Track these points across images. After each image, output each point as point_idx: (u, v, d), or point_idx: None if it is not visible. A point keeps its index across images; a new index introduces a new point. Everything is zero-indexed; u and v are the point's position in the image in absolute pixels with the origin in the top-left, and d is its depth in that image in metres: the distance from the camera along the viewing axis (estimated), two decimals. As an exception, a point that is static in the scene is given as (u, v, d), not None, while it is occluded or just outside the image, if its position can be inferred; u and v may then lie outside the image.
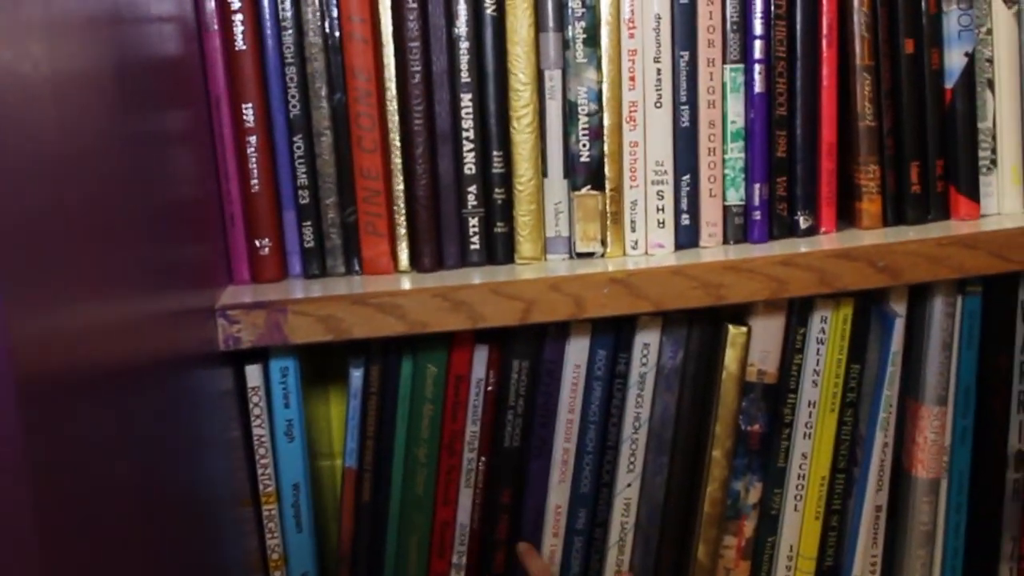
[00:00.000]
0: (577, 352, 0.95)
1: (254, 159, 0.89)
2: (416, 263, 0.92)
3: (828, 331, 0.96)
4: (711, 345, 0.96)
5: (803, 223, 0.95)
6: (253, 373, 0.89)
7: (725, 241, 0.94)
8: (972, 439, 1.00)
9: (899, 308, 0.96)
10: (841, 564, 1.01)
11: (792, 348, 0.96)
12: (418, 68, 0.89)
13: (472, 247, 0.92)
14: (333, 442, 1.10)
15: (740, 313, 0.96)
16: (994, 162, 0.97)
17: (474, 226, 0.92)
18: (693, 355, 0.96)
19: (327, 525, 1.05)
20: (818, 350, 0.96)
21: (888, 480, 1.00)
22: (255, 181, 0.89)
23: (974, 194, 0.96)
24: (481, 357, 0.95)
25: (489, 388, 0.96)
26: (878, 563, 1.01)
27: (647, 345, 0.96)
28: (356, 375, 0.93)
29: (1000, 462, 1.01)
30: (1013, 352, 0.99)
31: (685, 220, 0.93)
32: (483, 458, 0.97)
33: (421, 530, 0.98)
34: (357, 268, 0.92)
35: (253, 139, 0.89)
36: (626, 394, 0.97)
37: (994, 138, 0.96)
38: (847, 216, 0.98)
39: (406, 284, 0.87)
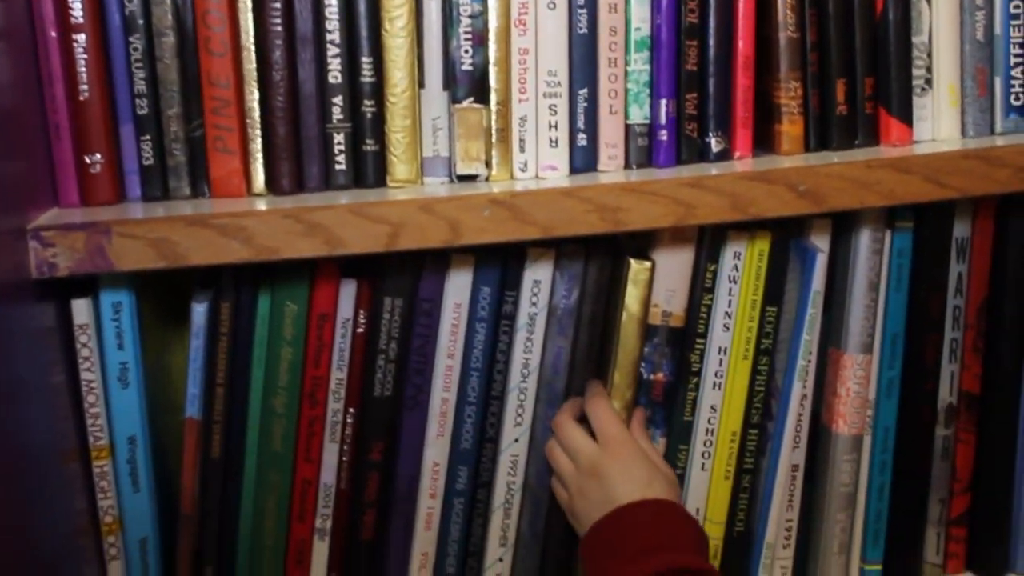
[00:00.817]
0: (458, 289, 0.84)
1: (83, 61, 0.77)
2: (273, 185, 0.80)
3: (742, 268, 0.86)
4: (610, 283, 0.85)
5: (715, 146, 0.84)
6: (80, 308, 0.78)
7: (627, 165, 0.83)
8: (899, 392, 0.91)
9: (821, 243, 0.86)
10: (752, 529, 0.91)
11: (701, 287, 0.86)
12: (274, -44, 0.77)
13: (337, 167, 0.80)
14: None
15: (643, 247, 0.86)
16: (929, 81, 0.87)
17: (339, 143, 0.80)
18: (590, 294, 0.85)
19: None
20: (730, 290, 0.86)
21: (806, 437, 0.90)
22: (84, 87, 0.77)
23: (907, 116, 0.86)
24: (348, 293, 0.84)
25: (358, 330, 0.84)
26: (793, 528, 0.92)
27: (538, 282, 0.85)
28: (199, 310, 0.81)
29: (929, 417, 0.91)
30: (946, 295, 0.90)
31: (581, 140, 0.82)
32: (351, 409, 0.86)
33: (279, 490, 0.86)
34: (205, 191, 0.80)
35: (81, 38, 0.76)
36: (513, 337, 0.86)
37: (929, 55, 0.86)
38: (764, 141, 0.87)
39: (260, 207, 0.76)
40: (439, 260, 0.83)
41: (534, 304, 0.85)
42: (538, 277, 0.84)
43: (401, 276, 0.83)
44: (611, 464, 0.82)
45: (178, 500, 0.88)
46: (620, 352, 0.84)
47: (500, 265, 0.84)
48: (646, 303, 0.83)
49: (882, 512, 0.93)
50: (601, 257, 0.85)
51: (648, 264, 0.82)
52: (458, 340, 0.85)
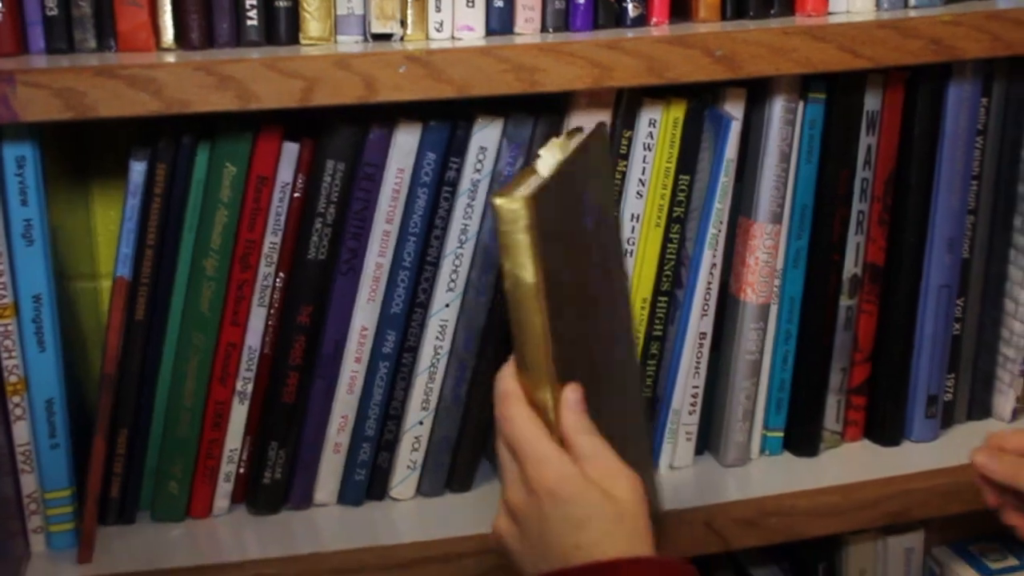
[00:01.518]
0: (403, 154, 0.78)
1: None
2: (182, 40, 0.73)
3: (656, 136, 0.80)
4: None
5: (632, 11, 0.78)
6: (-20, 163, 0.71)
7: (544, 29, 0.78)
8: (806, 262, 0.86)
9: (735, 111, 0.81)
10: (660, 395, 0.86)
11: (616, 154, 0.80)
12: None
13: (249, 23, 0.74)
14: (97, 261, 0.91)
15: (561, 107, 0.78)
16: (843, -46, 0.80)
17: (251, -2, 0.73)
18: (535, 161, 0.79)
19: (88, 350, 0.87)
20: (644, 157, 0.80)
21: (714, 305, 0.85)
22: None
23: (822, -14, 0.80)
24: (290, 156, 0.78)
25: (296, 195, 0.78)
26: (699, 394, 0.87)
27: (484, 148, 0.79)
28: (138, 169, 0.75)
29: (834, 288, 0.87)
30: (855, 168, 0.84)
31: (498, 1, 0.75)
32: (281, 274, 0.80)
33: (202, 353, 0.80)
34: (112, 44, 0.73)
35: None
36: (454, 203, 0.80)
37: (843, -72, 0.80)
38: (681, 9, 0.81)
39: (169, 60, 0.68)
40: (385, 124, 0.76)
41: (478, 171, 0.79)
42: (484, 144, 0.79)
43: (346, 139, 0.77)
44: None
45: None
46: None
47: (448, 131, 0.78)
48: None
49: (785, 380, 0.89)
50: (548, 126, 0.79)
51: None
52: (398, 205, 0.80)
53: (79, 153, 0.88)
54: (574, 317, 0.63)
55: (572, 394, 0.61)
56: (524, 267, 0.58)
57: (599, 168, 0.69)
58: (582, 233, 0.64)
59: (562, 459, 0.59)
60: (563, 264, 0.61)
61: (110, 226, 0.91)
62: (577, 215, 0.64)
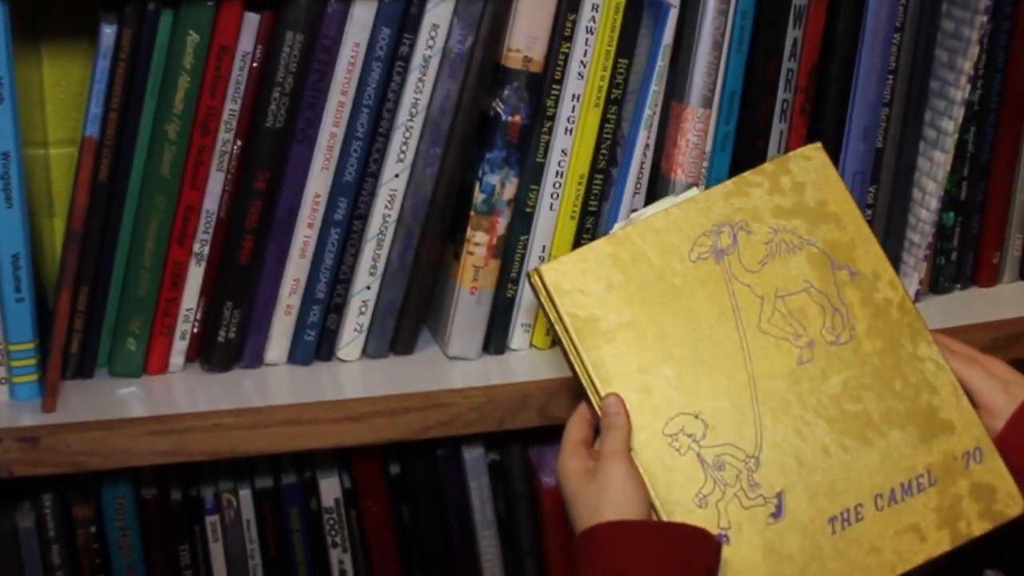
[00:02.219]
0: (359, 28, 0.83)
1: None
2: None
3: (599, 20, 0.86)
4: (503, 31, 0.85)
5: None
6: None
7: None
8: (733, 146, 0.93)
9: (672, -1, 0.86)
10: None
11: (560, 35, 0.86)
12: None
13: None
14: (47, 129, 0.94)
15: None
16: None
17: None
18: (483, 40, 0.85)
19: (36, 218, 0.91)
20: (587, 40, 0.86)
21: (646, 184, 0.91)
22: None
23: None
24: (251, 27, 0.82)
25: (255, 64, 0.83)
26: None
27: (436, 26, 0.85)
28: (108, 32, 0.79)
29: (757, 172, 0.93)
30: (782, 59, 0.91)
31: None
32: (239, 141, 0.84)
33: (162, 214, 0.85)
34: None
35: None
36: (406, 78, 0.85)
37: None
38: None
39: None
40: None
41: (430, 47, 0.85)
42: (437, 21, 0.84)
43: (305, 11, 0.82)
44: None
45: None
46: None
47: (402, 7, 0.83)
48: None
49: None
50: (498, 4, 0.84)
51: None
52: (353, 78, 0.85)
53: (29, 19, 0.90)
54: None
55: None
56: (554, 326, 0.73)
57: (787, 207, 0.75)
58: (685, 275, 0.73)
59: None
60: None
61: (60, 95, 0.94)
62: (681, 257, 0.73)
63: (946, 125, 0.95)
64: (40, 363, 0.85)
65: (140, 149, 0.84)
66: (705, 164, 0.92)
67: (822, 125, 0.94)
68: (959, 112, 0.94)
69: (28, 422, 0.81)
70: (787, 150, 0.93)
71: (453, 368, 0.92)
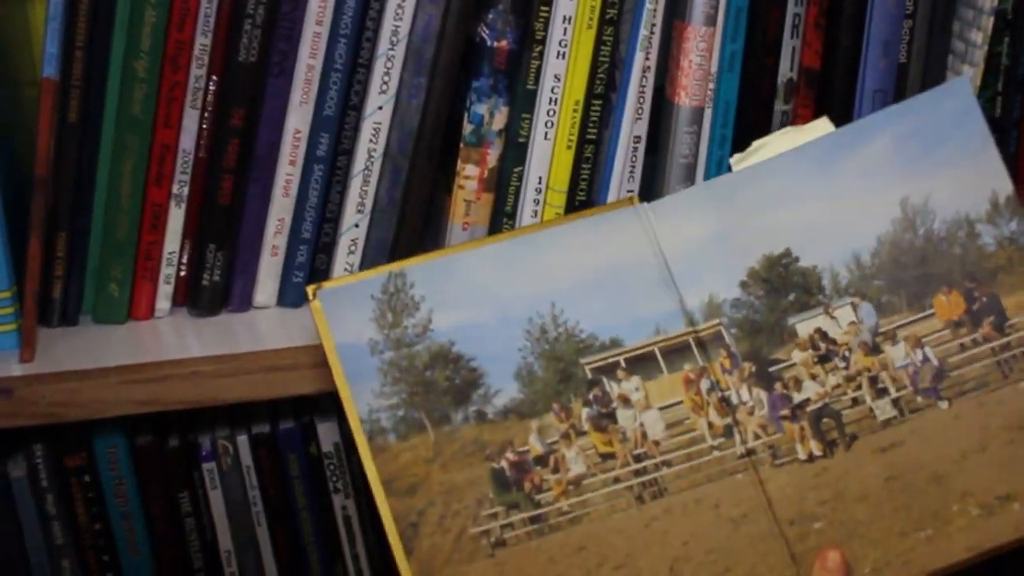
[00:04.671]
0: (329, -47, 0.82)
1: None
2: None
3: (587, -65, 0.83)
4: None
5: None
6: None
7: None
8: (741, 65, 0.91)
9: (664, -91, 0.84)
10: (594, 199, 0.92)
11: (547, -47, 0.83)
12: None
13: None
14: (38, 68, 0.93)
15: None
16: None
17: None
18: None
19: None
20: (575, -44, 0.84)
21: (648, 109, 0.90)
22: None
23: None
24: (214, -45, 0.82)
25: (224, -5, 0.83)
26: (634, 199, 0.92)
27: (411, -52, 0.83)
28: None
29: (769, 92, 0.93)
30: (788, -31, 0.88)
31: None
32: (214, 76, 0.84)
33: (136, 155, 0.86)
34: None
35: None
36: (385, 4, 0.85)
37: None
38: None
39: None
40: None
41: None
42: None
43: None
44: None
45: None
46: None
47: None
48: None
49: (721, 184, 0.93)
50: None
51: None
52: (328, 6, 0.85)
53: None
54: None
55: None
56: None
57: None
58: None
59: None
60: None
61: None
62: None
63: (975, 36, 0.92)
64: (18, 312, 0.86)
65: (111, 88, 0.84)
66: (711, 85, 0.90)
67: (838, 40, 0.91)
68: (988, 22, 0.91)
69: (4, 373, 0.82)
70: (801, 68, 0.91)
71: (448, 308, 0.92)
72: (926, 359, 0.72)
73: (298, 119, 0.87)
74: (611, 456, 0.74)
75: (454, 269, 0.76)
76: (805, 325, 0.74)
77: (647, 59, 0.88)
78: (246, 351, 0.86)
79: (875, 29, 0.91)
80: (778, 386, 0.73)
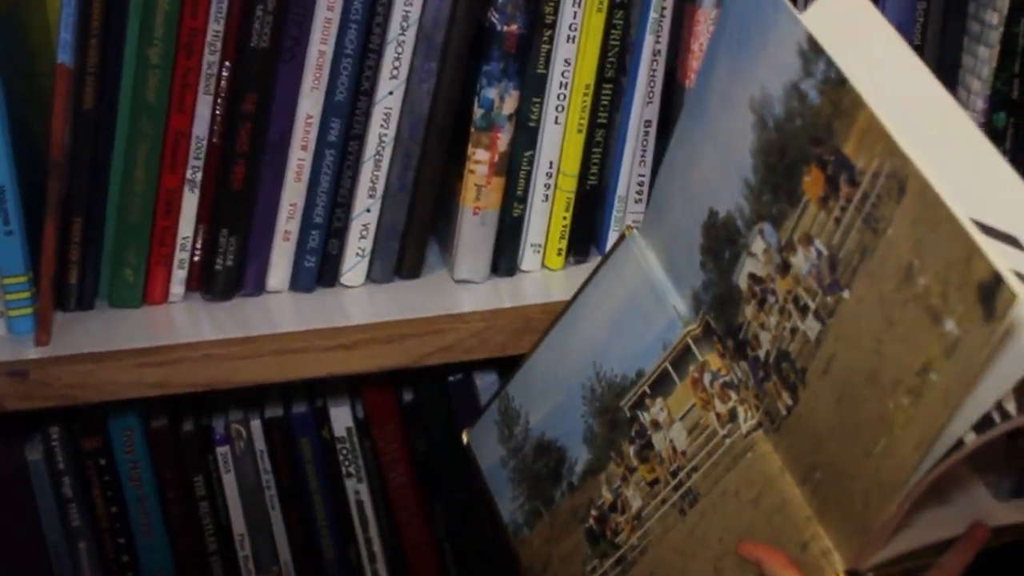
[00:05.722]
0: (343, -58, 0.85)
1: None
2: None
3: (596, -81, 0.86)
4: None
5: None
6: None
7: None
8: (751, 49, 0.92)
9: None
10: (606, 183, 0.95)
11: (555, -62, 0.86)
12: None
13: None
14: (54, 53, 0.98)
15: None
16: None
17: None
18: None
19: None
20: (584, -60, 0.86)
21: (659, 92, 0.92)
22: None
23: None
24: (227, -57, 0.85)
25: (234, -20, 0.86)
26: (645, 183, 0.95)
27: (422, -66, 0.86)
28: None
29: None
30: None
31: None
32: (226, 62, 0.88)
33: (151, 141, 0.89)
34: None
35: None
36: None
37: None
38: None
39: None
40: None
41: None
42: None
43: None
44: None
45: (41, 152, 0.89)
46: None
47: None
48: None
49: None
50: None
51: None
52: None
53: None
54: None
55: None
56: None
57: None
58: None
59: None
60: None
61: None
62: None
63: (991, 17, 0.94)
64: (35, 296, 0.90)
65: (126, 75, 0.87)
66: (722, 69, 0.92)
67: (852, 22, 0.93)
68: (1005, 2, 0.93)
69: (21, 356, 0.86)
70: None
71: (460, 292, 0.95)
72: (819, 253, 0.66)
73: (310, 104, 0.90)
74: (656, 481, 0.78)
75: (531, 372, 0.87)
76: (743, 277, 0.72)
77: (657, 42, 0.90)
78: (258, 334, 0.90)
79: (889, 11, 0.93)
80: (749, 350, 0.72)
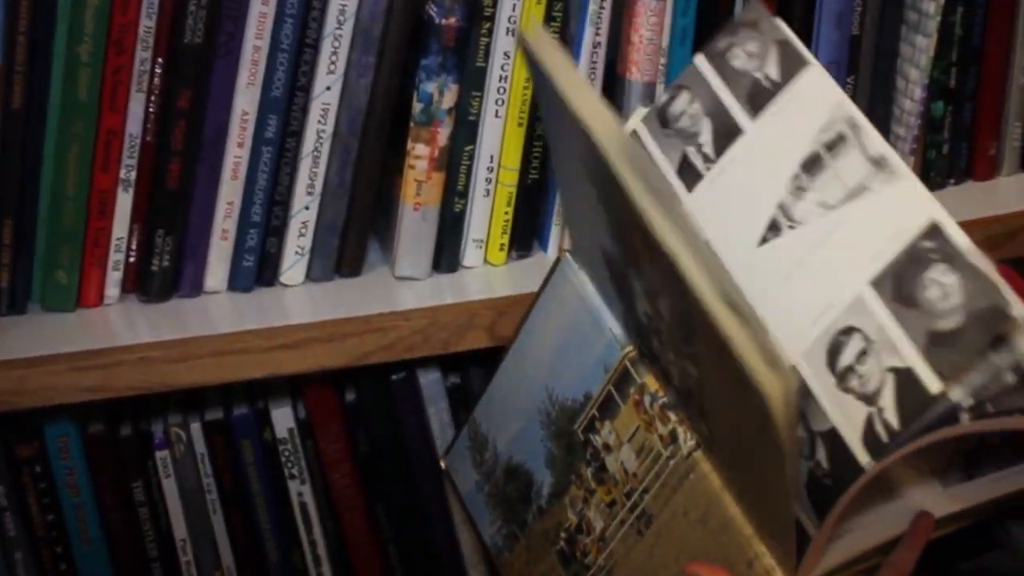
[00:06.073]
0: (274, -68, 0.85)
1: None
2: None
3: (532, -90, 0.86)
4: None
5: None
6: None
7: None
8: (692, 40, 0.93)
9: None
10: (546, 178, 0.94)
11: (492, -70, 0.86)
12: None
13: None
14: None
15: None
16: None
17: None
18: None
19: None
20: (521, -68, 0.86)
21: (600, 85, 0.93)
22: None
23: None
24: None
25: (166, -26, 0.85)
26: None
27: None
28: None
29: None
30: (735, -58, 0.90)
31: None
32: (160, 59, 0.87)
33: (83, 140, 0.88)
34: None
35: None
36: None
37: None
38: None
39: None
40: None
41: None
42: None
43: None
44: None
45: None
46: None
47: None
48: None
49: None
50: None
51: None
52: None
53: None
54: None
55: None
56: None
57: None
58: None
59: None
60: None
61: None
62: None
63: (928, 6, 0.95)
64: (-33, 302, 0.89)
65: (56, 73, 0.86)
66: (663, 61, 0.93)
67: (791, 12, 0.94)
68: (940, -8, 0.94)
69: (-44, 365, 0.85)
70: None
71: (402, 289, 0.95)
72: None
73: (246, 101, 0.89)
74: (614, 503, 0.78)
75: (493, 398, 0.87)
76: (642, 312, 0.72)
77: (597, 34, 0.91)
78: (196, 336, 0.89)
79: (827, 1, 0.94)
80: (667, 376, 0.73)
